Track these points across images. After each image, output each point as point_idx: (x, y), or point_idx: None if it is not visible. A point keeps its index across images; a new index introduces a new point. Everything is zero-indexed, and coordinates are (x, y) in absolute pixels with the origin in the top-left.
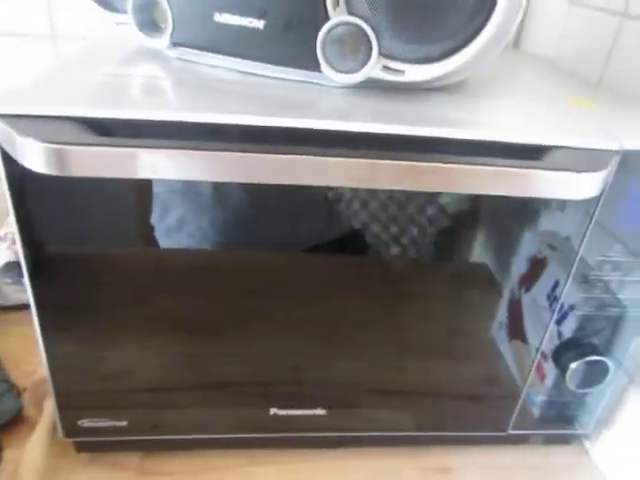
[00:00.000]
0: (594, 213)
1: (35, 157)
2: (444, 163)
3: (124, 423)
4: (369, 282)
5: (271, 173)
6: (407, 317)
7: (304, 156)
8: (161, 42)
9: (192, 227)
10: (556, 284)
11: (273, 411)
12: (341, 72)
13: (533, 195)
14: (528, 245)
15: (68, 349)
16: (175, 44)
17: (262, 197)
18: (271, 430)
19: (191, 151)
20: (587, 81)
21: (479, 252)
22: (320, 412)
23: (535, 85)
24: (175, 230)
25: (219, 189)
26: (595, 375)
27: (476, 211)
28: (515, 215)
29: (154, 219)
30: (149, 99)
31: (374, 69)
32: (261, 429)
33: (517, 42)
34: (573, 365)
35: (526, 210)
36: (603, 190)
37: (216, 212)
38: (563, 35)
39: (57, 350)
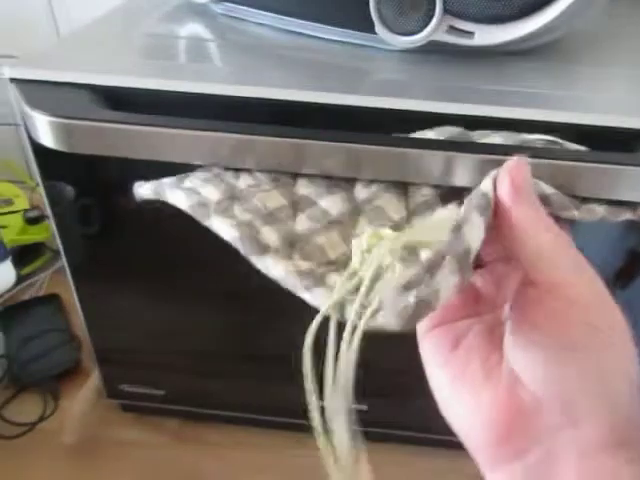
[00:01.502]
0: None
1: (41, 130)
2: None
3: (162, 392)
4: None
5: (308, 162)
6: None
7: (354, 145)
8: None
9: None
10: None
11: None
12: (398, 34)
13: (624, 199)
14: (627, 234)
15: (106, 310)
16: None
17: None
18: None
19: (202, 132)
20: None
21: None
22: (362, 407)
23: None
24: None
25: None
26: None
27: None
28: None
29: None
30: (182, 67)
31: (438, 30)
32: (298, 416)
33: None
34: None
35: None
36: None
37: None
38: None
39: (95, 311)
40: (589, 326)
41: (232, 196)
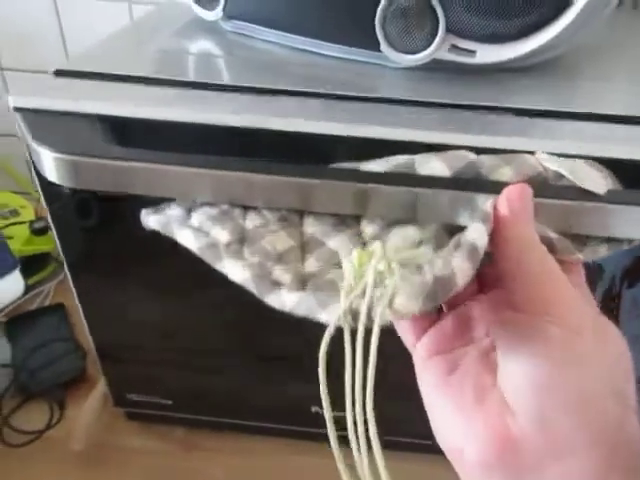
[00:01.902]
0: None
1: (47, 166)
2: None
3: (169, 402)
4: None
5: (314, 200)
6: None
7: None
8: (214, 14)
9: None
10: None
11: (314, 409)
12: (403, 52)
13: (625, 237)
14: None
15: (110, 318)
16: (229, 17)
17: None
18: (313, 426)
19: (217, 171)
20: None
21: None
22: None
23: None
24: None
25: None
26: None
27: None
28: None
29: None
30: (193, 94)
31: (440, 49)
32: (303, 424)
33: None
34: None
35: None
36: None
37: None
38: None
39: (98, 317)
40: (565, 331)
41: (241, 237)
